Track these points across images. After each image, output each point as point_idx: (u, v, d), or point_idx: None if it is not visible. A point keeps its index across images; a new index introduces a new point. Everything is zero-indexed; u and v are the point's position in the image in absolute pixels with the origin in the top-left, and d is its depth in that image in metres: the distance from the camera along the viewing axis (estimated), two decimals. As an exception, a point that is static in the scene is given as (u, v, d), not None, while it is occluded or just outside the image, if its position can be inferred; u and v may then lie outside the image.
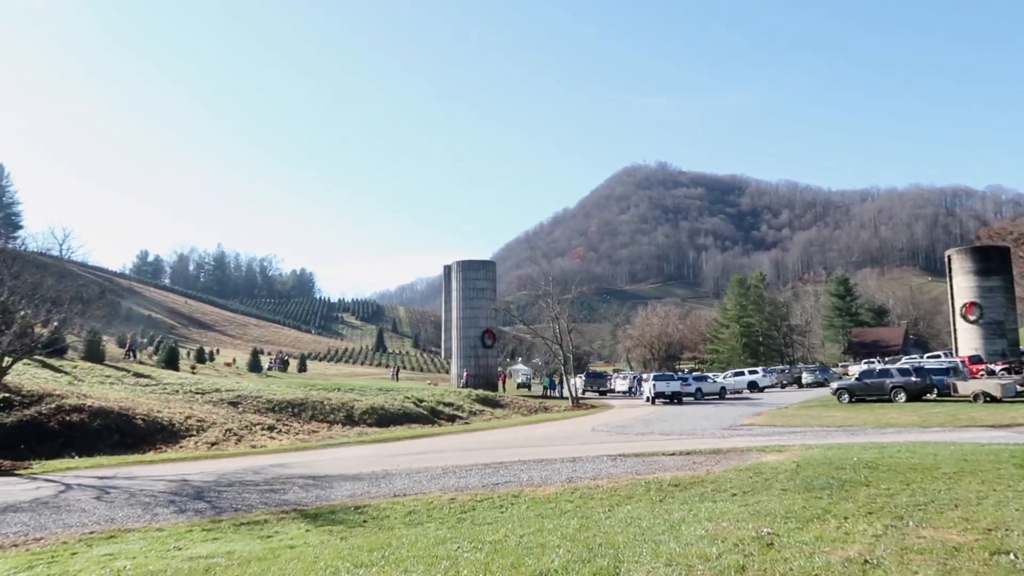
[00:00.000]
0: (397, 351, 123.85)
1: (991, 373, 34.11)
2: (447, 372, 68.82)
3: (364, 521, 9.83)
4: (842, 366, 61.71)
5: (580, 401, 42.71)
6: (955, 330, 48.65)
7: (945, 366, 33.68)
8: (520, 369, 73.56)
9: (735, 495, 9.95)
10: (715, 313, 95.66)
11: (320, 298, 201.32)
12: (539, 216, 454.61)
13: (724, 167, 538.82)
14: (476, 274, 51.51)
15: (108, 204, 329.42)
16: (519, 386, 58.54)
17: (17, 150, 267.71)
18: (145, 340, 64.57)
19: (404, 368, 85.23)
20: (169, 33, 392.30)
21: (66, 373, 30.10)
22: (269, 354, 75.21)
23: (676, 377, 42.93)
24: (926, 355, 52.29)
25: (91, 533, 9.64)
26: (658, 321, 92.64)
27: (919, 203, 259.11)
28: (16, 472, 16.33)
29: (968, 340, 46.47)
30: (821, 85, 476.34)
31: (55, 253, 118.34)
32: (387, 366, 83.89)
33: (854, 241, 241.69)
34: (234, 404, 28.55)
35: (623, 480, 11.97)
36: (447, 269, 71.26)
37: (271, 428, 25.97)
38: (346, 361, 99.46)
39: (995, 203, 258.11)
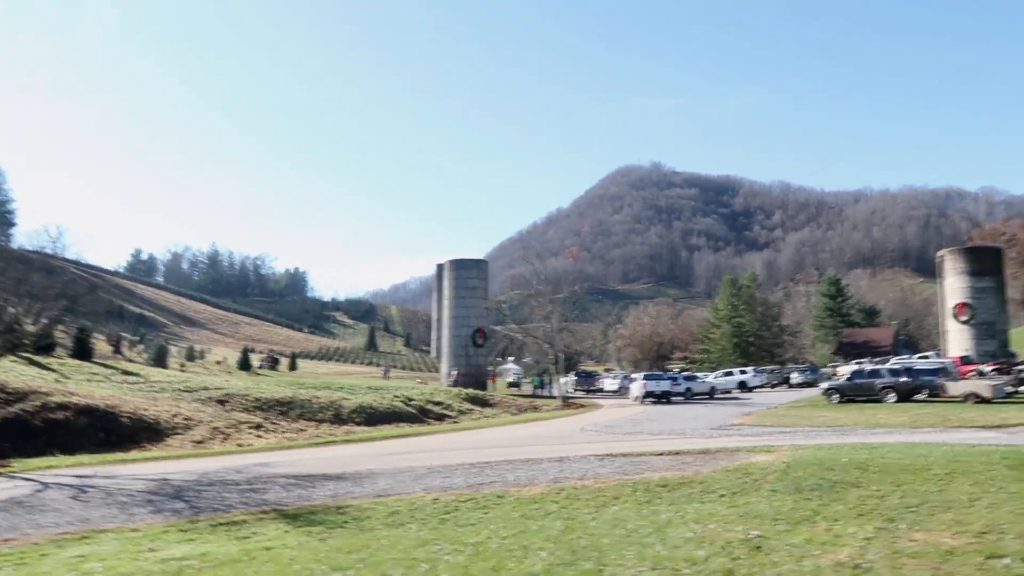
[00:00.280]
0: (389, 350, 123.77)
1: (981, 374, 34.11)
2: (438, 371, 68.60)
3: (345, 522, 9.63)
4: (832, 366, 61.73)
5: (570, 400, 42.62)
6: (945, 331, 48.79)
7: (935, 367, 33.52)
8: (510, 368, 73.27)
9: (723, 496, 9.82)
10: (707, 313, 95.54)
11: (313, 297, 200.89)
12: (533, 215, 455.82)
13: (718, 168, 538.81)
14: (468, 273, 51.28)
15: (104, 203, 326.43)
16: (509, 385, 58.28)
17: (13, 149, 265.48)
18: (137, 338, 64.09)
19: (395, 367, 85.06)
20: (164, 33, 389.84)
21: (53, 370, 29.67)
22: (260, 352, 74.80)
23: (666, 377, 42.85)
24: (916, 355, 52.37)
25: (64, 534, 9.38)
26: (649, 321, 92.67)
27: (912, 204, 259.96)
28: (-6, 471, 16.00)
29: (958, 341, 46.58)
30: (815, 87, 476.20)
31: (48, 251, 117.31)
32: (378, 365, 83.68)
33: (846, 242, 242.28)
34: (222, 402, 28.20)
35: (610, 480, 11.82)
36: (439, 268, 71.00)
37: (258, 426, 25.67)
38: (337, 360, 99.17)
39: (988, 204, 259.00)
